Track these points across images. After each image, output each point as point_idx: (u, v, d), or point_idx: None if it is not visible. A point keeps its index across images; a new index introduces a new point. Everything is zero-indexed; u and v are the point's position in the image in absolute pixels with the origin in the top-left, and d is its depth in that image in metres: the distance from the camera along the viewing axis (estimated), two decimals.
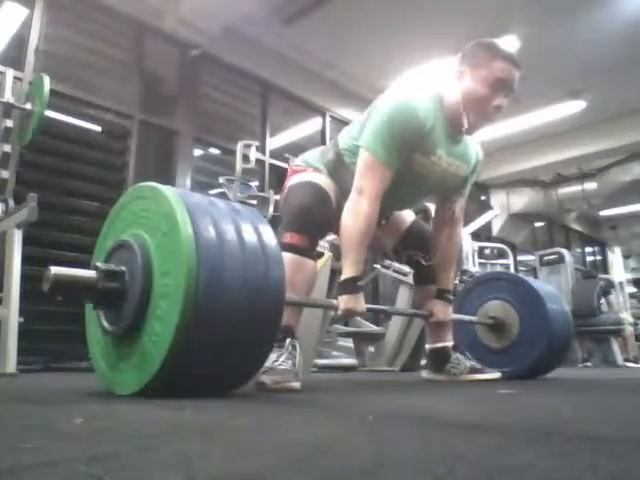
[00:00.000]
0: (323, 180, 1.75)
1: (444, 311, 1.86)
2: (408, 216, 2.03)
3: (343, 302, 1.56)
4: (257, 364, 1.23)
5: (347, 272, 1.58)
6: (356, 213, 1.60)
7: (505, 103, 1.70)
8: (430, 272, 1.95)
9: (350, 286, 1.57)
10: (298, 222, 1.60)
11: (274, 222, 4.20)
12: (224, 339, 1.08)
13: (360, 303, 1.58)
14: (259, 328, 1.12)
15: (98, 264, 1.17)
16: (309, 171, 1.79)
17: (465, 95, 1.69)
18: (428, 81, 1.79)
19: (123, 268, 1.16)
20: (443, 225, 1.93)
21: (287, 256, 1.53)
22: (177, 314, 1.01)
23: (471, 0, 4.51)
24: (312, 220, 1.62)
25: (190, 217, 1.07)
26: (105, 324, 1.19)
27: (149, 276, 1.10)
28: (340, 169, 1.76)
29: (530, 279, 2.42)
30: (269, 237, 1.18)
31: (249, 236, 1.14)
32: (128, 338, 1.13)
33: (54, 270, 1.12)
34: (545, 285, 2.45)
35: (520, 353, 2.13)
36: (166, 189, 1.16)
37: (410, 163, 1.67)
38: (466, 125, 1.70)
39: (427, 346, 2.03)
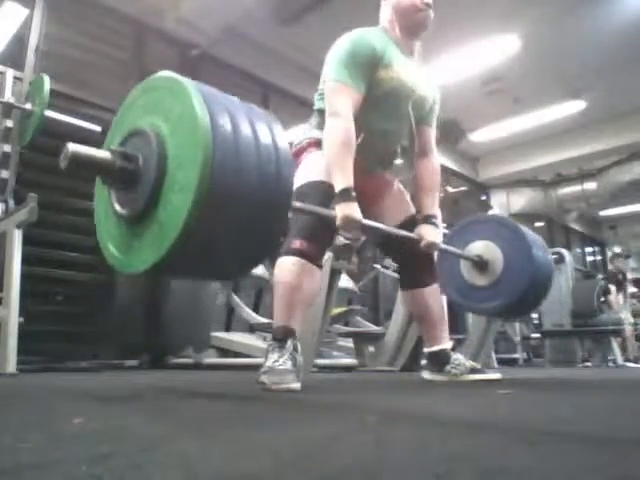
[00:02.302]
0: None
1: (433, 234, 1.86)
2: (412, 207, 2.01)
3: (340, 210, 1.59)
4: (264, 253, 1.29)
5: (339, 185, 1.61)
6: (334, 131, 1.66)
7: (431, 2, 1.87)
8: (417, 272, 1.93)
9: (345, 195, 1.60)
10: (309, 232, 1.61)
11: None
12: (236, 225, 1.13)
13: (357, 211, 1.60)
14: (269, 219, 1.18)
15: (112, 147, 1.22)
16: (311, 148, 1.81)
17: (394, 8, 1.86)
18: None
19: (137, 153, 1.20)
20: (419, 156, 1.96)
21: (295, 260, 1.56)
22: (190, 199, 1.05)
23: (471, 0, 4.51)
24: (323, 231, 1.64)
25: (207, 105, 1.11)
26: (118, 207, 1.25)
27: (163, 160, 1.14)
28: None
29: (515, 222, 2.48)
30: (281, 137, 1.23)
31: (263, 132, 1.19)
32: (142, 218, 1.18)
33: (72, 147, 1.18)
34: (533, 233, 2.49)
35: (504, 288, 2.19)
36: (183, 78, 1.20)
37: (379, 83, 1.75)
38: (398, 32, 1.84)
39: (425, 349, 2.01)
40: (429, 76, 1.97)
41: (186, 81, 1.18)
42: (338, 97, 1.70)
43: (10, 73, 3.33)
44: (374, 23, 1.95)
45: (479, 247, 2.30)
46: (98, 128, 4.07)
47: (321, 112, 1.82)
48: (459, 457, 0.52)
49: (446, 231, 3.90)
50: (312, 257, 1.59)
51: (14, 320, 2.20)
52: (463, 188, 7.97)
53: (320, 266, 1.65)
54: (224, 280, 1.25)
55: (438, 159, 2.00)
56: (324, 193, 1.67)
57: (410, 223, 1.95)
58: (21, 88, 3.41)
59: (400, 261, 2.03)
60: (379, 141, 1.77)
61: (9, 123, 3.12)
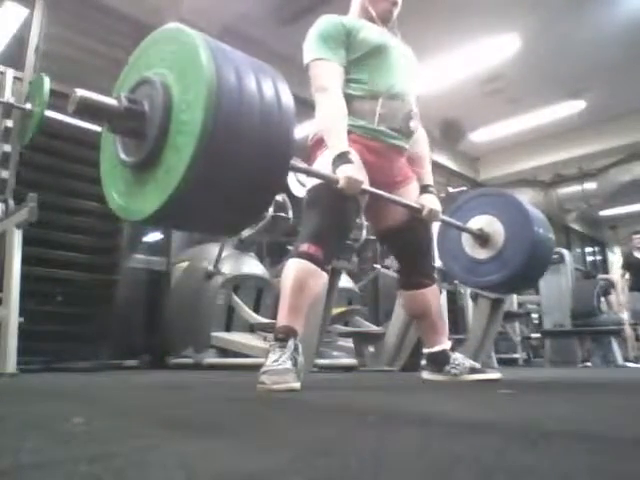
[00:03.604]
0: None
1: (434, 202, 1.89)
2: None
3: (342, 172, 1.59)
4: (265, 203, 1.31)
5: (336, 149, 1.63)
6: (325, 105, 1.70)
7: None
8: (417, 272, 1.92)
9: (343, 158, 1.61)
10: (318, 237, 1.62)
11: (274, 223, 4.16)
12: (238, 173, 1.15)
13: (357, 172, 1.61)
14: (270, 169, 1.21)
15: (120, 94, 1.24)
16: (325, 149, 1.79)
17: None
18: None
19: (144, 101, 1.22)
20: None
21: (302, 262, 1.57)
22: (195, 141, 1.07)
23: (471, 0, 4.51)
24: (332, 236, 1.66)
25: (213, 55, 1.13)
26: (123, 156, 1.27)
27: (169, 105, 1.16)
28: None
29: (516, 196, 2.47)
30: (284, 90, 1.25)
31: (267, 84, 1.21)
32: (147, 165, 1.20)
33: (80, 92, 1.21)
34: (535, 209, 2.49)
35: (506, 260, 2.19)
36: (191, 31, 1.22)
37: (360, 42, 1.78)
38: (374, 13, 1.89)
39: (424, 350, 2.01)
40: (410, 53, 1.99)
41: (193, 32, 1.20)
42: (321, 73, 1.73)
43: (10, 73, 3.33)
44: None
45: (480, 221, 2.30)
46: (98, 128, 4.08)
47: None
48: (459, 457, 0.52)
49: None
50: (319, 261, 1.60)
51: (14, 320, 2.20)
52: (463, 188, 7.96)
53: (327, 270, 1.66)
54: (225, 232, 1.28)
55: (423, 130, 2.02)
56: (332, 201, 1.67)
57: (413, 222, 1.94)
58: (21, 88, 3.40)
59: (400, 260, 2.03)
60: (393, 101, 1.78)
61: (9, 123, 3.11)
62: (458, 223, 2.25)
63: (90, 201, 3.56)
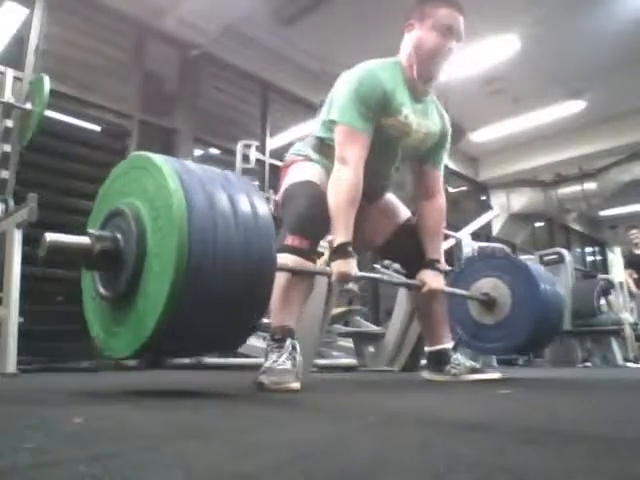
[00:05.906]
0: (318, 173, 1.76)
1: (436, 280, 1.85)
2: (404, 212, 2.02)
3: (336, 267, 1.60)
4: (248, 330, 1.24)
5: (338, 239, 1.61)
6: (341, 181, 1.65)
7: (454, 47, 1.82)
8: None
9: (342, 251, 1.60)
10: (300, 225, 1.62)
11: (275, 223, 4.19)
12: (216, 304, 1.11)
13: (353, 267, 1.61)
14: (251, 294, 1.15)
15: (92, 231, 1.20)
16: (300, 160, 1.81)
17: (416, 44, 1.80)
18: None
19: (117, 235, 1.18)
20: (424, 197, 1.94)
21: (289, 258, 1.55)
22: (169, 280, 1.04)
23: (471, 0, 4.51)
24: (314, 224, 1.64)
25: (182, 185, 1.09)
26: (101, 289, 1.22)
27: (142, 243, 1.13)
28: (324, 149, 1.80)
29: (523, 259, 2.44)
30: (261, 205, 1.20)
31: (242, 203, 1.16)
32: (123, 302, 1.16)
33: (49, 237, 1.15)
34: (539, 266, 2.46)
35: (512, 328, 2.15)
36: (157, 157, 1.18)
37: (381, 128, 1.73)
38: (415, 72, 1.79)
39: (426, 348, 2.02)
40: (438, 112, 1.92)
41: (159, 159, 1.17)
42: (350, 145, 1.67)
43: (10, 73, 3.33)
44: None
45: (486, 285, 2.25)
46: (98, 128, 4.08)
47: (321, 140, 1.81)
48: (459, 457, 0.52)
49: (454, 235, 3.85)
50: (305, 252, 1.60)
51: (14, 320, 2.20)
52: (463, 188, 7.97)
53: (313, 260, 1.66)
54: (222, 350, 1.22)
55: (444, 199, 1.96)
56: (309, 192, 1.70)
57: (403, 230, 1.96)
58: (21, 88, 3.40)
59: (404, 265, 2.05)
60: (364, 179, 1.71)
61: (9, 123, 3.11)
62: (462, 292, 2.19)
63: (90, 201, 3.55)
